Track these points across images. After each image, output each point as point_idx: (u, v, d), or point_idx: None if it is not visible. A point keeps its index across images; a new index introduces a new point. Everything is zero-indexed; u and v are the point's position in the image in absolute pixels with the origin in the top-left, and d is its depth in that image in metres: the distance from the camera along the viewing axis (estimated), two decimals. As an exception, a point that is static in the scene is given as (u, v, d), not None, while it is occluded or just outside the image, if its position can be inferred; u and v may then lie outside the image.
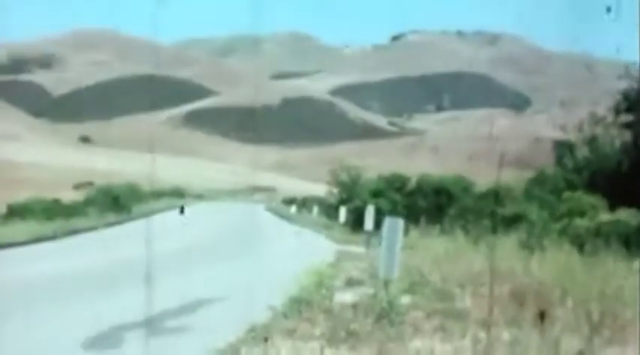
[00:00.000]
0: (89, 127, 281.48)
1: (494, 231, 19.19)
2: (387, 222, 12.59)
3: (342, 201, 48.59)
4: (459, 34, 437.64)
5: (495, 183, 37.15)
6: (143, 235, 35.26)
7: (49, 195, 65.67)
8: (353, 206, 43.27)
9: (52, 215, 50.21)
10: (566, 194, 32.54)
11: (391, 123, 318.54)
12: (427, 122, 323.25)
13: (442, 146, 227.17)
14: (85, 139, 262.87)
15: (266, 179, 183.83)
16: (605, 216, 26.81)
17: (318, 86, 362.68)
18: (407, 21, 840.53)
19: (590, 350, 8.25)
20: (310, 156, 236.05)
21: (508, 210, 31.20)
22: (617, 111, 36.26)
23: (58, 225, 42.36)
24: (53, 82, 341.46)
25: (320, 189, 78.18)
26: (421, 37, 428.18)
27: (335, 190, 55.23)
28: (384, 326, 8.84)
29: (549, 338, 8.49)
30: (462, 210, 34.82)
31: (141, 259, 20.42)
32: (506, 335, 8.57)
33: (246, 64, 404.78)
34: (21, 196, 61.20)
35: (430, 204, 41.45)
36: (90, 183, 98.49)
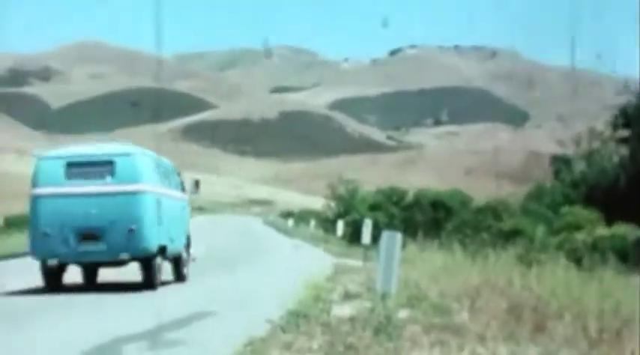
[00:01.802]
0: (88, 139, 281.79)
1: (492, 245, 19.22)
2: (385, 235, 12.60)
3: (340, 215, 48.64)
4: (457, 48, 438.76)
5: (492, 197, 37.24)
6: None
7: (46, 207, 65.63)
8: (350, 219, 43.34)
9: (49, 227, 50.25)
10: (564, 208, 32.64)
11: (389, 137, 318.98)
12: (425, 136, 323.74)
13: (440, 160, 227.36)
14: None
15: (264, 192, 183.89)
16: (602, 231, 26.89)
17: (316, 100, 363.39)
18: (405, 35, 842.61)
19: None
20: (308, 169, 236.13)
21: (506, 224, 31.27)
22: (615, 126, 36.43)
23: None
24: (53, 95, 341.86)
25: (317, 203, 78.28)
26: (419, 51, 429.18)
27: (332, 204, 55.31)
28: (381, 340, 8.84)
29: (547, 353, 8.50)
30: (460, 223, 34.90)
31: (137, 272, 20.42)
32: (503, 349, 8.58)
33: (246, 78, 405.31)
34: (19, 208, 61.15)
35: (428, 217, 41.54)
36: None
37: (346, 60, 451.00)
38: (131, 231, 15.24)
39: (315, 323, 10.12)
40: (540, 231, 29.00)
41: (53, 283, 15.92)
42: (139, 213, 15.37)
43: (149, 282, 15.84)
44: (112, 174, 15.40)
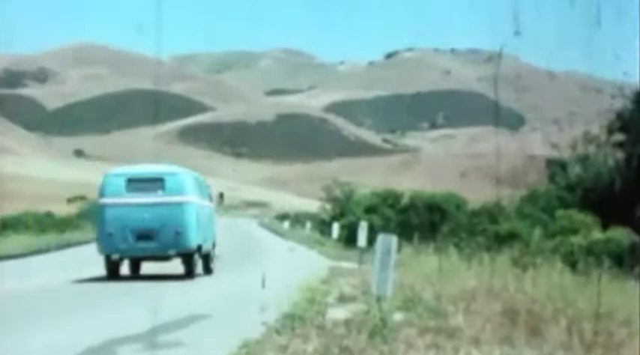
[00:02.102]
0: (83, 141, 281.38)
1: (487, 248, 19.23)
2: (381, 238, 12.59)
3: (335, 217, 48.62)
4: (453, 51, 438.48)
5: (488, 200, 37.27)
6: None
7: (42, 208, 65.64)
8: (346, 222, 43.29)
9: (45, 228, 50.23)
10: (559, 212, 32.64)
11: (385, 140, 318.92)
12: (421, 139, 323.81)
13: (436, 163, 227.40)
14: (79, 153, 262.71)
15: (260, 194, 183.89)
16: (597, 235, 26.91)
17: (312, 102, 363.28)
18: (401, 38, 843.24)
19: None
20: (304, 172, 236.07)
21: (501, 227, 31.29)
22: (611, 130, 36.42)
23: (51, 238, 42.36)
24: (48, 96, 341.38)
25: (313, 205, 78.25)
26: (415, 54, 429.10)
27: (328, 206, 55.30)
28: (376, 343, 8.85)
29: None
30: (455, 227, 34.90)
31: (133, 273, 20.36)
32: (498, 353, 8.59)
33: (242, 80, 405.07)
34: (14, 209, 61.08)
35: (423, 220, 41.52)
36: (83, 197, 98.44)
37: (342, 62, 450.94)
38: (178, 232, 19.25)
39: (311, 326, 10.13)
40: (536, 234, 29.00)
41: (114, 273, 19.73)
42: (183, 219, 19.42)
43: (189, 273, 19.87)
44: (163, 188, 19.45)
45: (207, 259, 21.55)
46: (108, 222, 19.26)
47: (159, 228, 19.19)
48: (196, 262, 20.21)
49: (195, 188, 20.65)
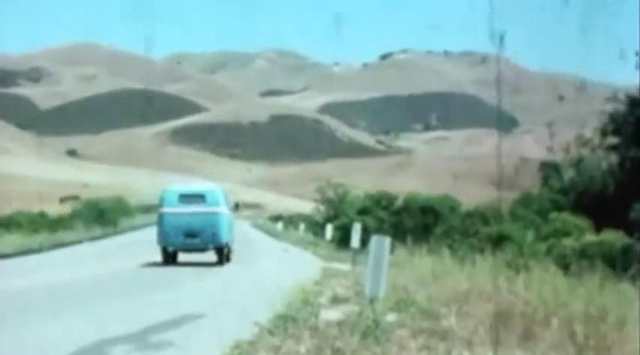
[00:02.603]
0: (76, 141, 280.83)
1: (480, 250, 19.23)
2: (374, 239, 12.59)
3: (329, 219, 48.58)
4: (447, 53, 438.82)
5: (481, 203, 37.26)
6: (129, 249, 35.17)
7: (35, 208, 65.50)
8: (339, 223, 43.26)
9: (37, 228, 50.13)
10: (552, 214, 32.64)
11: (378, 142, 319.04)
12: (414, 141, 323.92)
13: (429, 165, 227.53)
14: (72, 153, 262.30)
15: (254, 195, 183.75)
16: (590, 237, 26.91)
17: (306, 103, 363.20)
18: (396, 40, 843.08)
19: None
20: (297, 173, 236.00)
21: (494, 229, 31.28)
22: (604, 133, 36.43)
23: (43, 237, 42.28)
24: (41, 95, 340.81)
25: (307, 206, 78.24)
26: (409, 56, 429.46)
27: (322, 207, 55.27)
28: (369, 344, 8.85)
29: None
30: (449, 229, 34.87)
31: (126, 273, 20.37)
32: (490, 354, 8.60)
33: (236, 81, 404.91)
34: (7, 209, 60.98)
35: (417, 222, 41.45)
36: (76, 197, 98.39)
37: (336, 64, 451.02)
38: (214, 233, 26.47)
39: (303, 327, 10.12)
40: (529, 236, 29.00)
41: (168, 260, 26.56)
42: (218, 224, 26.63)
43: (220, 261, 26.82)
44: (204, 201, 26.77)
45: (228, 251, 28.15)
46: (166, 224, 26.36)
47: (201, 229, 26.26)
48: (224, 254, 26.95)
49: (225, 200, 27.73)
